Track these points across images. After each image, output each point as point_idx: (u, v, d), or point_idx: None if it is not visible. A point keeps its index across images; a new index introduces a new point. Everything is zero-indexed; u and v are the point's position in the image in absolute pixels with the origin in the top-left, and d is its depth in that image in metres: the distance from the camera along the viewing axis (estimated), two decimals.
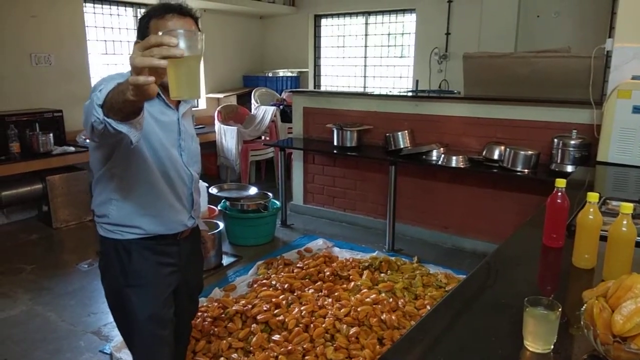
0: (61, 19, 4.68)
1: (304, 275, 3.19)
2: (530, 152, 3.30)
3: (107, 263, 1.57)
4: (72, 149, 4.35)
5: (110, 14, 5.30)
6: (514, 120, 3.59)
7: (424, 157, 3.73)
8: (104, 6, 5.19)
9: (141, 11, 5.54)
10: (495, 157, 3.48)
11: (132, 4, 5.42)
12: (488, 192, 3.77)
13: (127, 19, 5.44)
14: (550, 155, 3.33)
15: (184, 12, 1.44)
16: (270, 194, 4.14)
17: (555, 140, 3.26)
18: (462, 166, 3.50)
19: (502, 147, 3.45)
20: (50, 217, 4.31)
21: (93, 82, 5.11)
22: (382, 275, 3.24)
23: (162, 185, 1.50)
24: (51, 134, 4.22)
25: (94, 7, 5.09)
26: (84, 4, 4.90)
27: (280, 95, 6.27)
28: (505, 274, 1.44)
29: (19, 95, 4.40)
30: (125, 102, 1.00)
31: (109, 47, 5.37)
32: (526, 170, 3.29)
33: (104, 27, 5.25)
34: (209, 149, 5.66)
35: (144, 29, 1.44)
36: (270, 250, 3.84)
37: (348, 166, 4.45)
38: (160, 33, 0.97)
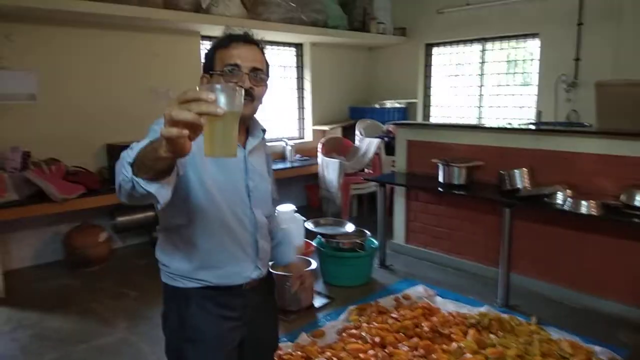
0: (179, 57, 4.96)
1: (398, 328, 2.86)
2: None
3: (167, 312, 1.48)
4: None
5: None
6: None
7: (546, 199, 3.22)
8: None
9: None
10: (637, 203, 2.88)
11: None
12: (629, 245, 3.13)
13: None
14: None
15: (249, 40, 1.40)
16: (367, 232, 3.89)
17: None
18: (594, 213, 2.95)
19: None
20: None
21: None
22: (492, 337, 2.79)
23: (220, 234, 1.39)
24: None
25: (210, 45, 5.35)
26: (200, 41, 5.16)
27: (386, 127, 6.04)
28: None
29: (140, 127, 4.68)
30: (158, 159, 0.93)
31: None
32: None
33: None
34: (313, 180, 5.59)
35: (209, 62, 1.40)
36: (365, 294, 3.55)
37: (455, 205, 4.04)
38: (197, 88, 0.88)
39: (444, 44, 6.20)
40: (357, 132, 5.85)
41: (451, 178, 3.74)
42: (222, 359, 1.43)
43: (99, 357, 2.83)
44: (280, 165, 5.42)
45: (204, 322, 1.41)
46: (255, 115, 1.45)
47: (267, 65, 1.44)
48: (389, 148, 5.42)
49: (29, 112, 4.09)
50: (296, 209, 4.07)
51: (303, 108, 6.30)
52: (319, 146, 5.46)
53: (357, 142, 5.75)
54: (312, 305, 3.38)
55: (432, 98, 6.48)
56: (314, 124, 6.24)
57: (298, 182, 5.95)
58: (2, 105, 3.94)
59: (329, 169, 5.22)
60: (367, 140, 5.56)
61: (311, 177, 5.60)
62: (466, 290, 3.63)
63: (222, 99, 0.87)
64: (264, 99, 1.45)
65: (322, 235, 3.82)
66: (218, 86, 0.88)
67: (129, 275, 4.05)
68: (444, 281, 3.82)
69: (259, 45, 1.42)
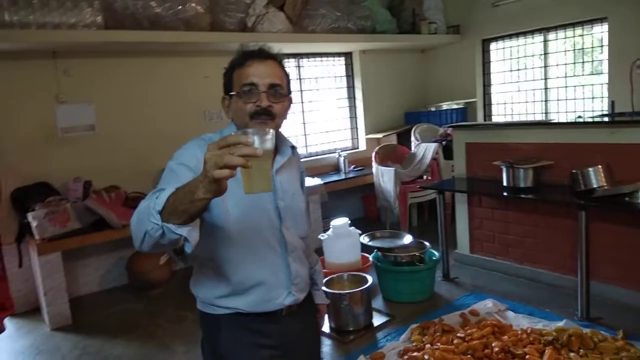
0: None
1: (465, 349, 2.62)
2: None
3: (203, 340, 1.47)
4: None
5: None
6: None
7: (626, 199, 2.87)
8: None
9: (302, 62, 5.69)
10: None
11: (294, 55, 5.57)
12: None
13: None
14: None
15: (263, 55, 1.35)
16: (427, 244, 3.66)
17: None
18: None
19: None
20: None
21: None
22: (572, 355, 2.49)
23: (248, 262, 1.33)
24: None
25: None
26: None
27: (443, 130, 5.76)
28: None
29: None
30: (194, 201, 0.99)
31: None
32: None
33: None
34: (369, 191, 5.41)
35: (228, 83, 1.38)
36: (429, 310, 3.33)
37: (524, 210, 3.72)
38: (232, 132, 1.11)
39: (502, 38, 5.84)
40: (412, 138, 5.62)
41: (517, 181, 3.44)
42: None
43: None
44: (334, 178, 5.30)
45: (235, 351, 1.37)
46: (281, 131, 1.44)
47: (288, 79, 1.41)
48: (448, 152, 5.14)
49: (89, 143, 4.25)
50: (350, 222, 3.93)
51: (355, 117, 6.16)
52: (373, 155, 5.29)
53: (413, 148, 5.52)
54: (371, 324, 3.20)
55: (492, 96, 6.12)
56: (368, 132, 6.08)
57: (354, 194, 5.79)
58: (65, 138, 4.13)
59: (384, 178, 5.03)
60: (424, 145, 5.32)
61: (367, 187, 5.43)
62: (541, 302, 3.30)
63: (257, 141, 0.96)
64: (289, 113, 1.43)
65: (378, 249, 3.64)
66: (250, 130, 1.00)
67: (188, 297, 4.05)
68: (515, 293, 3.50)
69: (277, 58, 1.37)
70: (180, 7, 4.05)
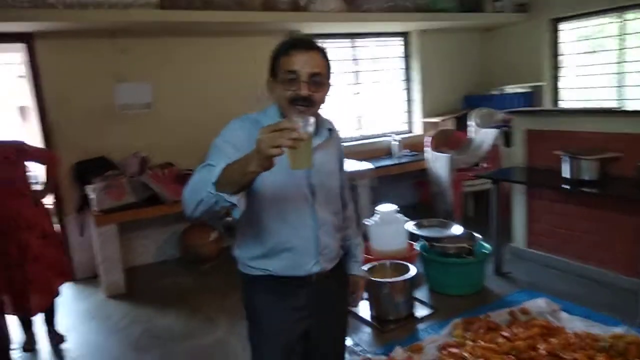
0: None
1: (508, 349, 2.49)
2: None
3: (243, 297, 1.63)
4: None
5: (325, 47, 5.42)
6: None
7: None
8: (322, 41, 5.33)
9: (356, 42, 5.54)
10: None
11: (348, 35, 5.45)
12: None
13: (342, 50, 5.50)
14: None
15: (307, 46, 1.43)
16: (478, 236, 3.49)
17: None
18: None
19: None
20: None
21: None
22: None
23: (281, 229, 1.48)
24: None
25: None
26: None
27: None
28: None
29: None
30: (246, 174, 1.16)
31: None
32: None
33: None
34: (423, 177, 5.25)
35: (274, 67, 1.46)
36: (475, 305, 3.19)
37: (586, 204, 3.46)
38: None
39: (574, 17, 5.40)
40: (471, 123, 5.36)
41: (579, 173, 3.19)
42: (279, 344, 1.53)
43: (197, 356, 2.90)
44: (386, 162, 5.17)
45: (265, 307, 1.54)
46: (320, 113, 1.54)
47: (329, 67, 1.48)
48: (509, 139, 4.86)
49: (145, 120, 4.39)
50: (402, 209, 3.82)
51: (411, 100, 5.96)
52: (428, 140, 5.10)
53: (471, 134, 5.27)
54: (413, 315, 3.12)
55: (561, 80, 5.71)
56: (424, 116, 5.87)
57: (406, 179, 5.64)
58: (123, 115, 4.28)
59: (438, 164, 4.85)
60: (483, 131, 5.06)
61: (421, 173, 5.26)
62: (599, 305, 3.07)
63: (301, 126, 1.13)
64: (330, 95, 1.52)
65: (425, 238, 3.52)
66: (296, 118, 1.15)
67: (236, 274, 4.14)
68: (571, 293, 3.28)
69: (320, 50, 1.45)
70: None
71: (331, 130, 1.58)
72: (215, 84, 4.66)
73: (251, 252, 1.52)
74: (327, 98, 1.49)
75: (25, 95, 4.36)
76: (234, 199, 1.21)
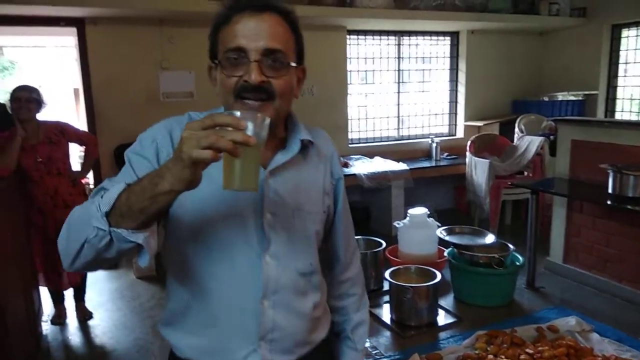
0: (325, 53, 4.94)
1: None
2: None
3: None
4: None
5: (369, 44, 5.36)
6: None
7: None
8: (367, 37, 5.28)
9: (402, 40, 5.45)
10: None
11: (394, 33, 5.36)
12: None
13: (388, 48, 5.42)
14: None
15: (258, 7, 0.93)
16: (511, 246, 3.36)
17: None
18: None
19: None
20: None
21: (350, 111, 5.25)
22: None
23: (200, 284, 0.97)
24: None
25: (357, 38, 5.23)
26: (347, 36, 5.08)
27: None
28: None
29: None
30: (156, 196, 0.77)
31: (364, 76, 5.45)
32: None
33: (365, 58, 5.34)
34: (462, 181, 5.11)
35: (213, 46, 1.00)
36: (501, 318, 3.07)
37: (630, 222, 3.26)
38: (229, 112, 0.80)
39: (636, 24, 5.09)
40: (516, 129, 5.17)
41: (623, 188, 3.01)
42: None
43: None
44: (424, 164, 5.07)
45: None
46: (294, 116, 1.06)
47: (298, 41, 0.99)
48: (555, 148, 4.65)
49: (187, 108, 4.37)
50: (437, 213, 3.73)
51: (456, 102, 5.80)
52: (468, 144, 4.96)
53: (515, 140, 5.08)
54: (435, 322, 3.04)
55: (619, 89, 5.40)
56: (467, 119, 5.71)
57: (445, 183, 5.51)
58: (166, 102, 4.39)
59: (477, 170, 4.70)
60: (528, 138, 4.86)
61: (460, 177, 5.13)
62: (634, 329, 2.89)
63: (249, 126, 0.77)
64: (303, 89, 1.06)
65: (455, 245, 3.42)
66: (238, 113, 0.78)
67: None
68: (606, 314, 3.11)
69: (280, 10, 0.95)
70: None
71: (311, 144, 1.05)
72: None
73: (164, 313, 1.06)
74: (298, 89, 1.01)
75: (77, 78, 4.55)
76: (138, 236, 0.79)
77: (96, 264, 0.85)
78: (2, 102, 4.15)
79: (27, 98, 2.93)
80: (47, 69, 9.88)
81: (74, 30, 4.07)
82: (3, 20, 3.89)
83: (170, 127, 1.00)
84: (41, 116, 3.07)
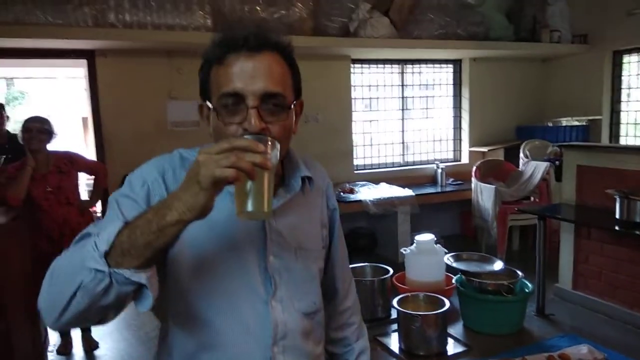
0: (330, 81, 5.01)
1: None
2: None
3: None
4: None
5: (372, 73, 5.43)
6: None
7: None
8: (370, 65, 5.36)
9: (406, 68, 5.53)
10: None
11: (398, 61, 5.45)
12: None
13: (392, 76, 5.49)
14: None
15: (255, 46, 0.87)
16: (519, 273, 3.33)
17: None
18: None
19: None
20: None
21: (355, 138, 5.30)
22: None
23: (200, 339, 0.92)
24: None
25: (361, 67, 5.31)
26: (351, 65, 5.16)
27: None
28: None
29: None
30: (164, 228, 0.73)
31: (368, 104, 5.51)
32: None
33: (369, 85, 5.41)
34: (468, 207, 5.10)
35: (204, 84, 0.93)
36: (512, 346, 3.02)
37: (639, 247, 3.24)
38: (245, 137, 0.79)
39: (638, 50, 5.16)
40: (521, 155, 5.19)
41: (632, 214, 3.00)
42: None
43: None
44: (429, 190, 5.08)
45: None
46: (293, 152, 1.01)
47: (295, 77, 0.94)
48: (561, 173, 4.65)
49: (194, 137, 4.51)
50: (444, 239, 3.72)
51: (460, 128, 5.84)
52: (473, 170, 4.97)
53: (521, 166, 5.09)
54: (445, 351, 3.00)
55: (622, 114, 5.43)
56: (472, 145, 5.73)
57: (451, 209, 5.50)
58: (173, 131, 4.45)
59: (484, 195, 4.70)
60: (533, 163, 4.88)
61: (466, 203, 5.12)
62: None
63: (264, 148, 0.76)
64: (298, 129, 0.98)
65: (463, 272, 3.40)
66: (248, 137, 0.78)
67: None
68: (618, 342, 3.05)
69: (278, 48, 0.90)
70: (284, 11, 4.15)
71: (309, 180, 1.01)
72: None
73: None
74: (297, 125, 0.95)
75: (87, 107, 4.63)
76: (141, 276, 0.74)
77: (88, 315, 0.77)
78: (13, 132, 4.23)
79: (38, 129, 2.99)
80: (56, 98, 10.07)
81: (84, 62, 4.16)
82: (16, 52, 4.00)
83: (162, 169, 0.93)
84: (51, 146, 3.12)
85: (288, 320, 0.94)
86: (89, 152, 5.01)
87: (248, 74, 0.85)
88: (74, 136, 9.24)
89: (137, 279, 0.73)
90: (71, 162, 3.11)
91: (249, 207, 0.75)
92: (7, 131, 4.16)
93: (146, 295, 0.76)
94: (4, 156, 3.33)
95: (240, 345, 0.91)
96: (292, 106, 0.92)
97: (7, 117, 4.17)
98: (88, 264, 0.73)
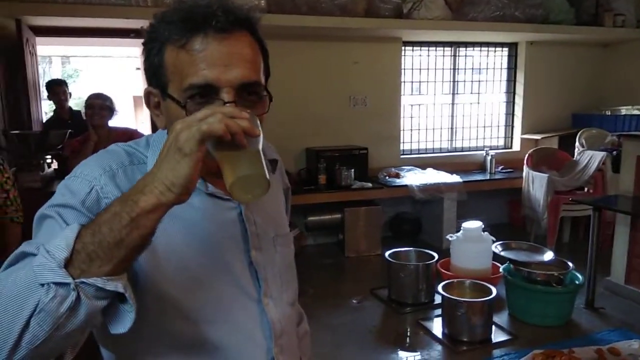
0: (379, 64, 4.97)
1: None
2: None
3: None
4: (369, 184, 4.51)
5: (423, 55, 5.34)
6: None
7: None
8: (422, 48, 5.27)
9: (459, 51, 5.40)
10: None
11: (450, 44, 5.33)
12: None
13: (443, 59, 5.38)
14: None
15: (223, 25, 0.71)
16: (570, 265, 3.25)
17: None
18: None
19: None
20: (344, 246, 4.58)
21: (403, 122, 5.25)
22: None
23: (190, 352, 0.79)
24: (352, 170, 4.50)
25: (412, 49, 5.23)
26: (402, 47, 5.08)
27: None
28: None
29: (336, 133, 4.87)
30: (137, 218, 0.59)
31: (417, 87, 5.43)
32: None
33: (419, 69, 5.32)
34: (517, 196, 4.98)
35: (156, 68, 0.76)
36: (558, 338, 2.97)
37: None
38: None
39: None
40: (577, 144, 5.00)
41: None
42: None
43: None
44: (477, 177, 4.99)
45: None
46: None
47: (265, 58, 0.81)
48: (618, 164, 4.46)
49: None
50: (491, 228, 3.66)
51: (513, 114, 5.68)
52: (526, 158, 4.84)
53: (576, 156, 4.91)
54: (489, 339, 2.98)
55: None
56: (524, 132, 5.56)
57: (499, 197, 5.38)
58: None
59: (535, 184, 4.58)
60: (589, 153, 4.69)
61: (515, 192, 5.00)
62: None
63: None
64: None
65: (511, 261, 3.34)
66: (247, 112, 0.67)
67: (313, 272, 4.23)
68: None
69: (248, 25, 0.76)
70: None
71: (275, 162, 0.93)
72: (312, 86, 4.79)
73: None
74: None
75: (139, 86, 4.79)
76: (117, 284, 0.60)
77: (52, 347, 0.59)
78: (76, 108, 4.44)
79: (100, 105, 3.13)
80: (108, 76, 10.47)
81: (138, 41, 4.29)
82: (76, 31, 4.17)
83: (110, 169, 0.78)
84: (112, 122, 3.26)
85: (281, 316, 0.86)
86: (145, 129, 5.20)
87: (221, 60, 0.71)
88: (125, 114, 9.62)
89: (112, 287, 0.59)
90: (130, 139, 3.22)
91: (246, 169, 0.63)
92: (70, 107, 4.39)
93: (123, 310, 0.62)
94: (69, 131, 3.52)
95: (242, 355, 0.81)
96: (267, 94, 0.78)
97: (70, 93, 4.39)
98: (42, 279, 0.57)
